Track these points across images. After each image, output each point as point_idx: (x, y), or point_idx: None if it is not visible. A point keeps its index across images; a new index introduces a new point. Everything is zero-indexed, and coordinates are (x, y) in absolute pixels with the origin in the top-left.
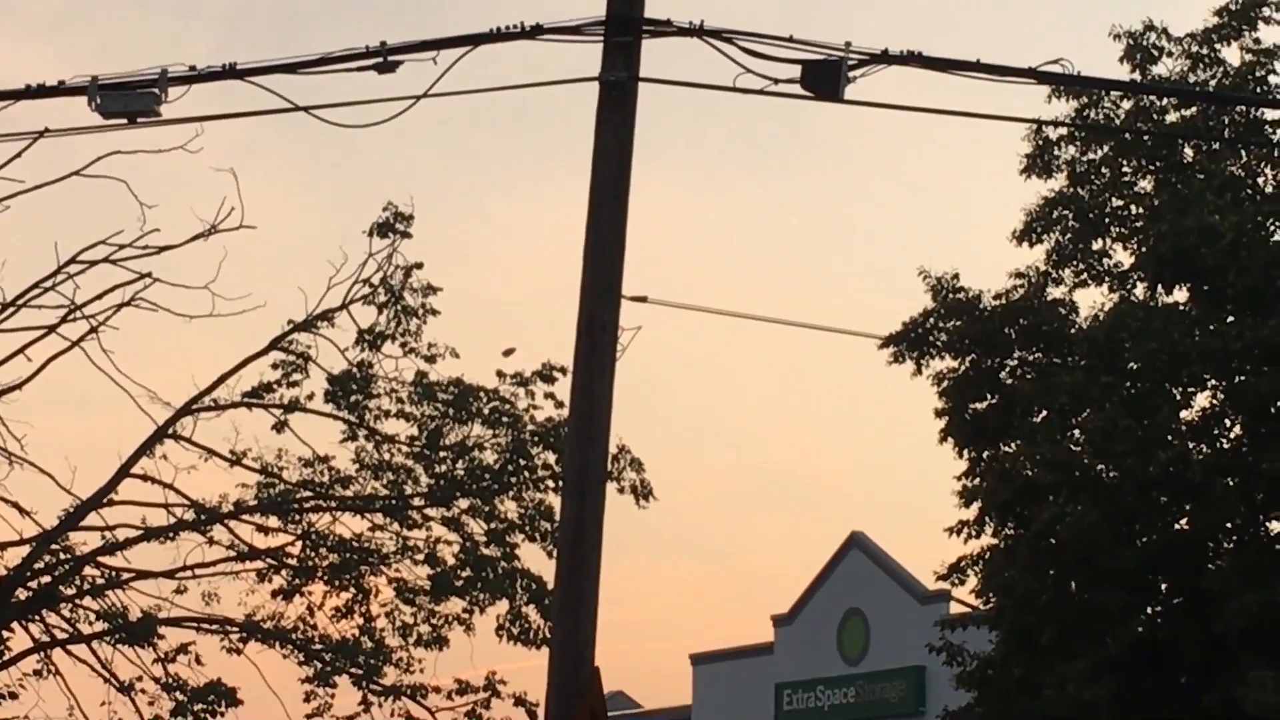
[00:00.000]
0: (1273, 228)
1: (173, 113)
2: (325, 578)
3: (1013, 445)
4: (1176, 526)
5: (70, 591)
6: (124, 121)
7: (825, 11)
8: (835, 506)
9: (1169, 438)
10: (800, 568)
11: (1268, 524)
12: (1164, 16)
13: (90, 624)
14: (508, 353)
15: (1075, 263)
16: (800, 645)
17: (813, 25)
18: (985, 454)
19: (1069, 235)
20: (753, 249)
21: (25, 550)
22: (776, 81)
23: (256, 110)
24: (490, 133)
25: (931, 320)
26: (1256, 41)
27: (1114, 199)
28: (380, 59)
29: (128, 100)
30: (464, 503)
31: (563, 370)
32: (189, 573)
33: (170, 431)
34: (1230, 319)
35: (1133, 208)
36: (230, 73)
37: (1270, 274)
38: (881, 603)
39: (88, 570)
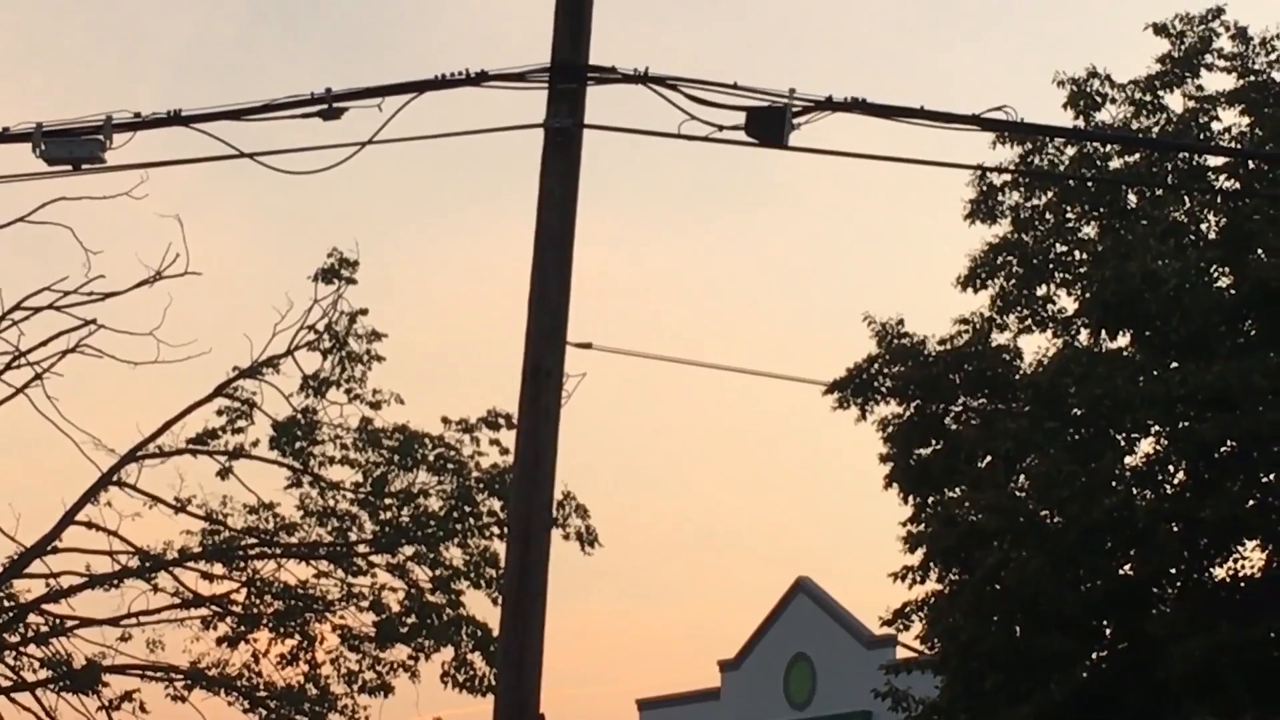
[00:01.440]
0: (1216, 274)
1: (118, 159)
2: (270, 625)
3: (957, 491)
4: (1120, 572)
5: (14, 639)
6: (69, 168)
7: (769, 58)
8: (781, 552)
9: (1113, 484)
10: (747, 613)
11: (1211, 570)
12: (1107, 63)
13: (34, 671)
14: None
15: (1019, 308)
16: (747, 690)
17: (757, 72)
18: (930, 500)
19: (1013, 281)
20: (698, 295)
21: None
22: (721, 128)
23: (202, 157)
24: (436, 178)
25: (876, 366)
26: (1199, 89)
27: (1058, 245)
28: (326, 105)
29: (73, 147)
30: (409, 549)
31: (507, 417)
32: (134, 620)
33: (115, 478)
34: (1174, 365)
35: (1076, 253)
36: (175, 119)
37: (1213, 320)
38: (828, 648)
39: (32, 618)
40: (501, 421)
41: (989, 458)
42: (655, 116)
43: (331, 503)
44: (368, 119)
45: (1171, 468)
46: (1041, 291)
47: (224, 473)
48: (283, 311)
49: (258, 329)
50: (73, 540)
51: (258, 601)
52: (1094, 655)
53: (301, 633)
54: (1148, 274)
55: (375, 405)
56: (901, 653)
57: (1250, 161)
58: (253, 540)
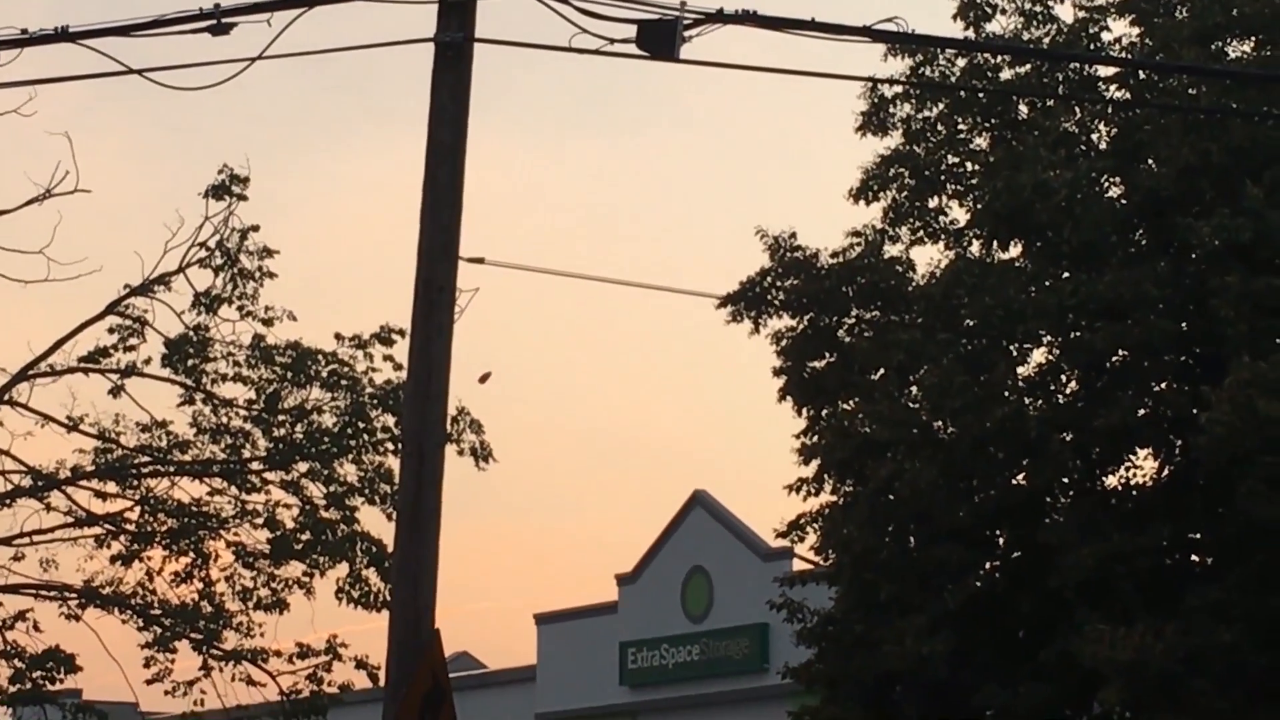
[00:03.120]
0: (1107, 184)
1: (5, 76)
2: (164, 542)
3: (850, 403)
4: (1013, 482)
5: None
6: None
7: None
8: (677, 465)
9: (1005, 394)
10: (643, 526)
11: (1103, 479)
12: None
13: None
14: (484, 378)
15: (911, 220)
16: (644, 604)
17: None
18: (824, 412)
19: (905, 193)
20: (591, 209)
21: None
22: (612, 41)
23: (90, 73)
24: (327, 94)
25: (769, 279)
26: None
27: (949, 156)
28: (214, 21)
29: None
30: (303, 466)
31: (401, 332)
32: (26, 539)
33: (6, 397)
34: (1065, 275)
35: (968, 165)
36: (63, 36)
37: (1104, 230)
38: (724, 560)
39: None
40: (395, 337)
41: (882, 369)
42: (546, 30)
43: (225, 420)
44: (257, 34)
45: (1063, 377)
46: (933, 203)
47: (116, 391)
48: (174, 229)
49: (148, 246)
50: None
51: (151, 519)
52: (987, 565)
53: (195, 550)
54: (1039, 185)
55: (268, 322)
56: (798, 565)
57: (1140, 71)
58: (146, 458)
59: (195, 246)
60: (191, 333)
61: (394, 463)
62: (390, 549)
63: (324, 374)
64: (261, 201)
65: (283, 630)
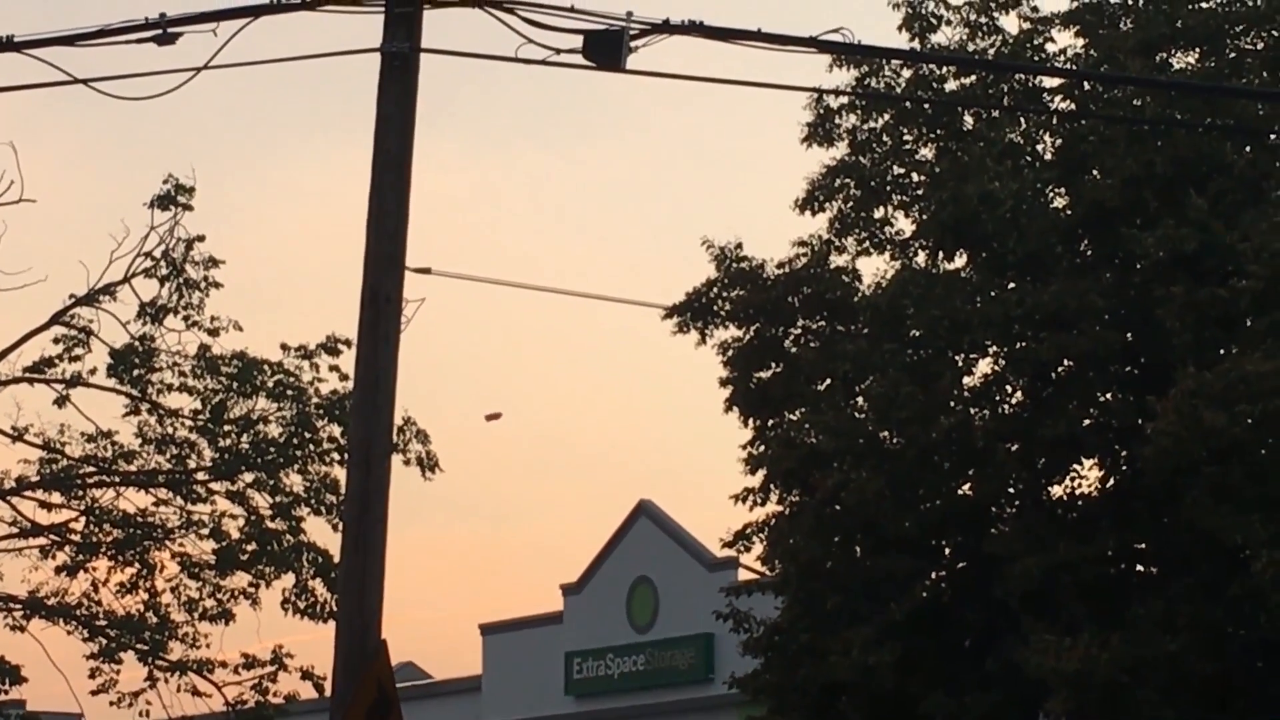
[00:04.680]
0: (1052, 195)
1: None
2: (109, 553)
3: (797, 413)
4: (959, 492)
5: None
6: None
7: None
8: (623, 475)
9: (951, 404)
10: (589, 536)
11: (1048, 489)
12: None
13: None
14: (491, 417)
15: (857, 231)
16: (589, 614)
17: None
18: (770, 422)
19: (851, 204)
20: (538, 219)
21: None
22: (559, 52)
23: (35, 83)
24: (274, 104)
25: (715, 290)
26: (1034, 9)
27: (895, 167)
28: (160, 30)
29: None
30: (249, 476)
31: (347, 342)
32: None
33: None
34: (1011, 285)
35: (914, 175)
36: (7, 45)
37: (1049, 240)
38: (670, 571)
39: None
40: (341, 347)
41: (828, 380)
42: (493, 40)
43: (170, 430)
44: (203, 44)
45: (1009, 387)
46: (879, 214)
47: (61, 401)
48: (119, 239)
49: (94, 256)
50: None
51: (96, 530)
52: (933, 575)
53: (141, 561)
54: (985, 195)
55: (213, 332)
56: (743, 575)
57: (1085, 83)
58: (91, 468)
59: (141, 256)
60: (137, 343)
61: (340, 473)
62: (336, 559)
63: (270, 384)
64: (208, 211)
65: (228, 641)
